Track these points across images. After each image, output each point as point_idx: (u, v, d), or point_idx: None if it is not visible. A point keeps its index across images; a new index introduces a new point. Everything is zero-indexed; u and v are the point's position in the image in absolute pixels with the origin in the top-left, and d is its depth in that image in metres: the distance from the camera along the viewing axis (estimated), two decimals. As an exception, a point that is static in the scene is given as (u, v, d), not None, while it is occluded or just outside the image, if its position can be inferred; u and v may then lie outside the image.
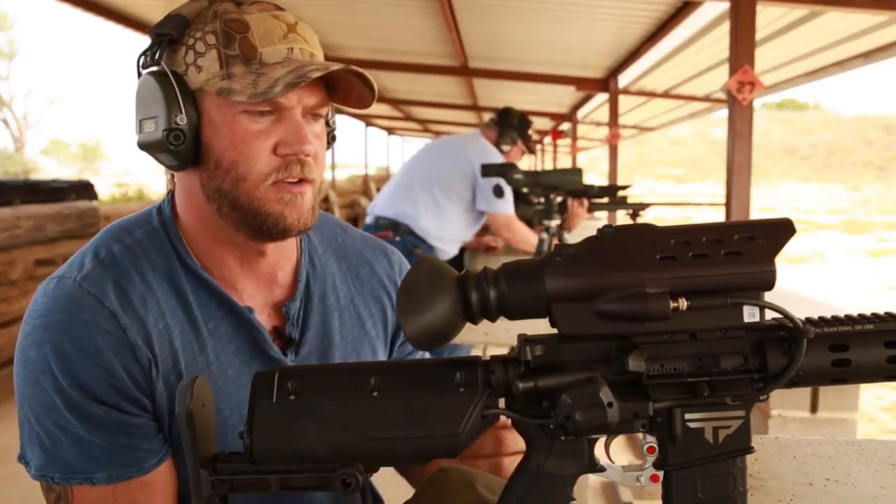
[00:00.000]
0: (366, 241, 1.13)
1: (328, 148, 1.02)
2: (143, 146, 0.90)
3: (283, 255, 1.00)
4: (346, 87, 0.93)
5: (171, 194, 0.99)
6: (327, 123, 0.99)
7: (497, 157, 3.37)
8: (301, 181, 0.90)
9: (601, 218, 5.12)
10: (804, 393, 2.08)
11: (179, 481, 0.91)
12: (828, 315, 0.66)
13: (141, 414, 0.87)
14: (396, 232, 3.20)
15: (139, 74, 0.91)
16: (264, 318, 0.98)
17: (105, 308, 0.86)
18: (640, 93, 7.54)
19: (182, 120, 0.87)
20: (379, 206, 3.35)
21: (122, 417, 0.86)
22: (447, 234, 3.30)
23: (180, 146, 0.87)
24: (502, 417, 0.66)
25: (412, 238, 3.19)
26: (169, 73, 0.88)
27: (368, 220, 3.38)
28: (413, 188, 3.27)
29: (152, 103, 0.88)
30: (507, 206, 3.30)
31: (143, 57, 0.90)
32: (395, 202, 3.28)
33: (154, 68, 0.89)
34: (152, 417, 0.88)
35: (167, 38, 0.88)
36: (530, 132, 3.73)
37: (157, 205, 0.99)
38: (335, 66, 0.86)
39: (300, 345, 0.99)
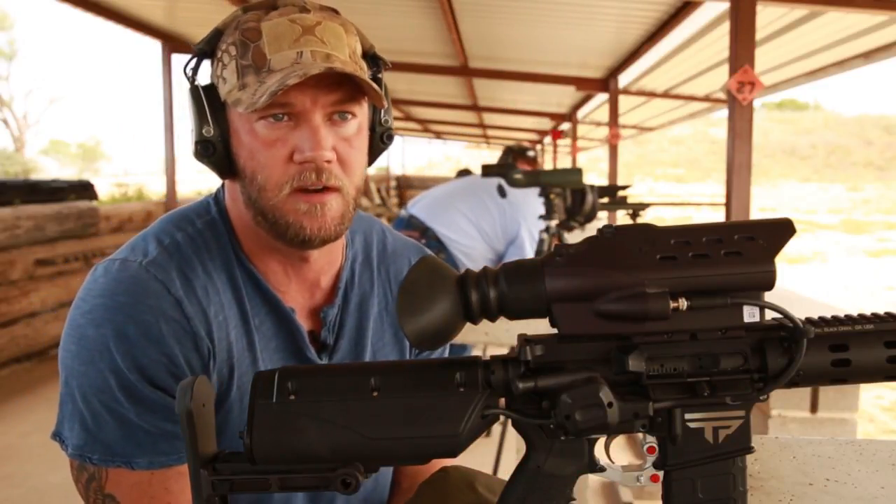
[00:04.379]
0: (406, 244, 1.13)
1: (384, 148, 1.00)
2: (193, 155, 0.92)
3: (328, 261, 0.99)
4: (364, 84, 0.89)
5: (223, 184, 0.98)
6: (380, 122, 0.97)
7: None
8: (325, 189, 0.87)
9: (601, 218, 5.13)
10: (804, 393, 2.08)
11: None
12: (828, 315, 0.66)
13: None
14: (424, 235, 3.18)
15: None
16: (303, 321, 0.98)
17: (171, 295, 0.87)
18: (640, 93, 7.55)
19: (209, 132, 0.88)
20: (418, 207, 3.31)
21: (174, 404, 0.86)
22: (473, 257, 3.27)
23: (212, 156, 0.89)
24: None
25: (437, 244, 3.18)
26: (199, 87, 0.90)
27: (403, 213, 3.35)
28: (458, 213, 3.22)
29: (189, 116, 0.91)
30: None
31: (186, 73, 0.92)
32: (435, 213, 3.23)
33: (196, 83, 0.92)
34: None
35: (201, 53, 0.91)
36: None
37: (213, 195, 0.99)
38: (315, 70, 0.82)
39: (334, 350, 1.00)
